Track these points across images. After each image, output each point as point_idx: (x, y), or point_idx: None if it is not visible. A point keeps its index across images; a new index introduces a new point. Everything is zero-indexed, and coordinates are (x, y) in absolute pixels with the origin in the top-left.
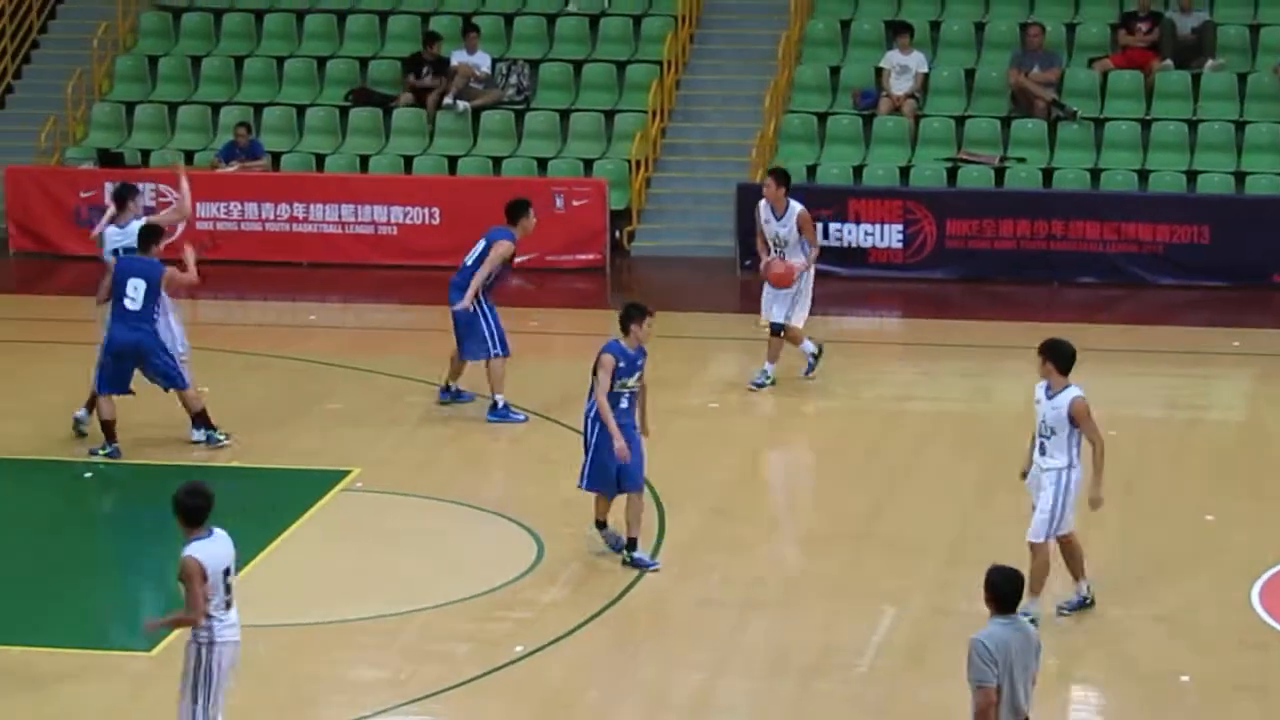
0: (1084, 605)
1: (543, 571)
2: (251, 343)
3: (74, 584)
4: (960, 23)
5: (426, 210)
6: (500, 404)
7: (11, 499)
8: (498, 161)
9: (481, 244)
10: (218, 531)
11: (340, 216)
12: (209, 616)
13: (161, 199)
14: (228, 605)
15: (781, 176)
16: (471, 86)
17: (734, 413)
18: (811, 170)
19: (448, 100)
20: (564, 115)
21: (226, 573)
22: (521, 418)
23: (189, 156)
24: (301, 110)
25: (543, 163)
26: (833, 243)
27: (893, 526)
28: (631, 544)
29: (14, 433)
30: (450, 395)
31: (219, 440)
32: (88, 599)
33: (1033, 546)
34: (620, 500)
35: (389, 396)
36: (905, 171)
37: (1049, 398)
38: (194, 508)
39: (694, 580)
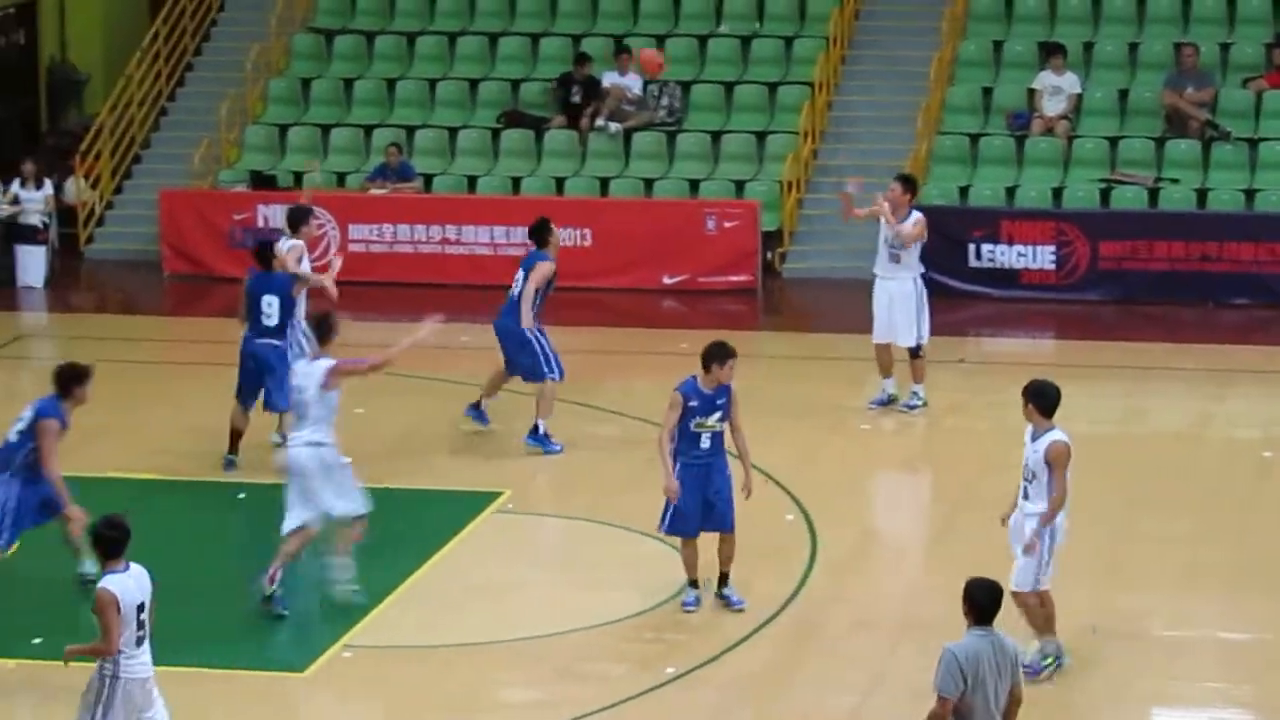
0: (1046, 668)
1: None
2: (404, 364)
3: (225, 604)
4: (1114, 43)
5: (578, 232)
6: (541, 430)
7: (170, 521)
8: (649, 183)
9: (520, 274)
10: (134, 567)
11: (492, 238)
12: (119, 651)
13: (315, 220)
14: (138, 641)
15: (908, 183)
16: (623, 108)
17: (886, 434)
18: (964, 191)
19: (599, 122)
20: (715, 136)
21: (140, 608)
22: (558, 448)
23: (340, 178)
24: (454, 132)
25: (694, 184)
26: (985, 264)
27: None
28: (723, 579)
29: (172, 450)
30: (475, 412)
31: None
32: (238, 619)
33: (1017, 597)
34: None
35: None
36: (1058, 193)
37: (1032, 440)
38: (110, 540)
39: (847, 601)
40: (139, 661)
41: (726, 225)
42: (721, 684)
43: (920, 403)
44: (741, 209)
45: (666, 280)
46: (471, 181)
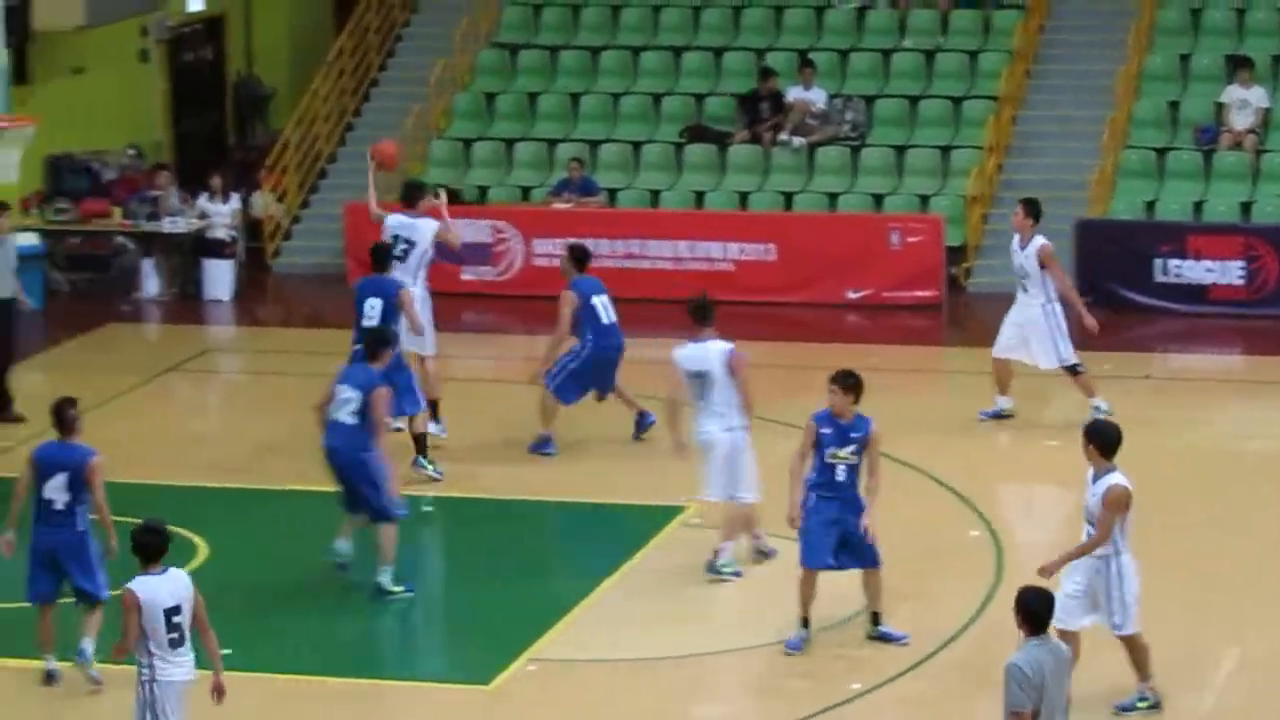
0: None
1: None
2: None
3: (409, 616)
4: None
5: (762, 246)
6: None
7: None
8: (833, 197)
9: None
10: (173, 571)
11: (675, 253)
12: (150, 654)
13: (498, 234)
14: (172, 644)
15: (1030, 206)
16: (807, 122)
17: (1075, 449)
18: (1150, 206)
19: (783, 136)
20: (900, 151)
21: (173, 612)
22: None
23: (524, 192)
24: (637, 146)
25: (878, 199)
26: (1171, 279)
27: (1234, 567)
28: (874, 618)
29: None
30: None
31: (426, 470)
32: (422, 631)
33: (1127, 640)
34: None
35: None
36: (1246, 207)
37: (1093, 482)
38: (145, 544)
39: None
40: (175, 664)
41: (910, 240)
42: (906, 701)
43: (1104, 413)
44: (926, 223)
45: (850, 295)
46: (655, 196)
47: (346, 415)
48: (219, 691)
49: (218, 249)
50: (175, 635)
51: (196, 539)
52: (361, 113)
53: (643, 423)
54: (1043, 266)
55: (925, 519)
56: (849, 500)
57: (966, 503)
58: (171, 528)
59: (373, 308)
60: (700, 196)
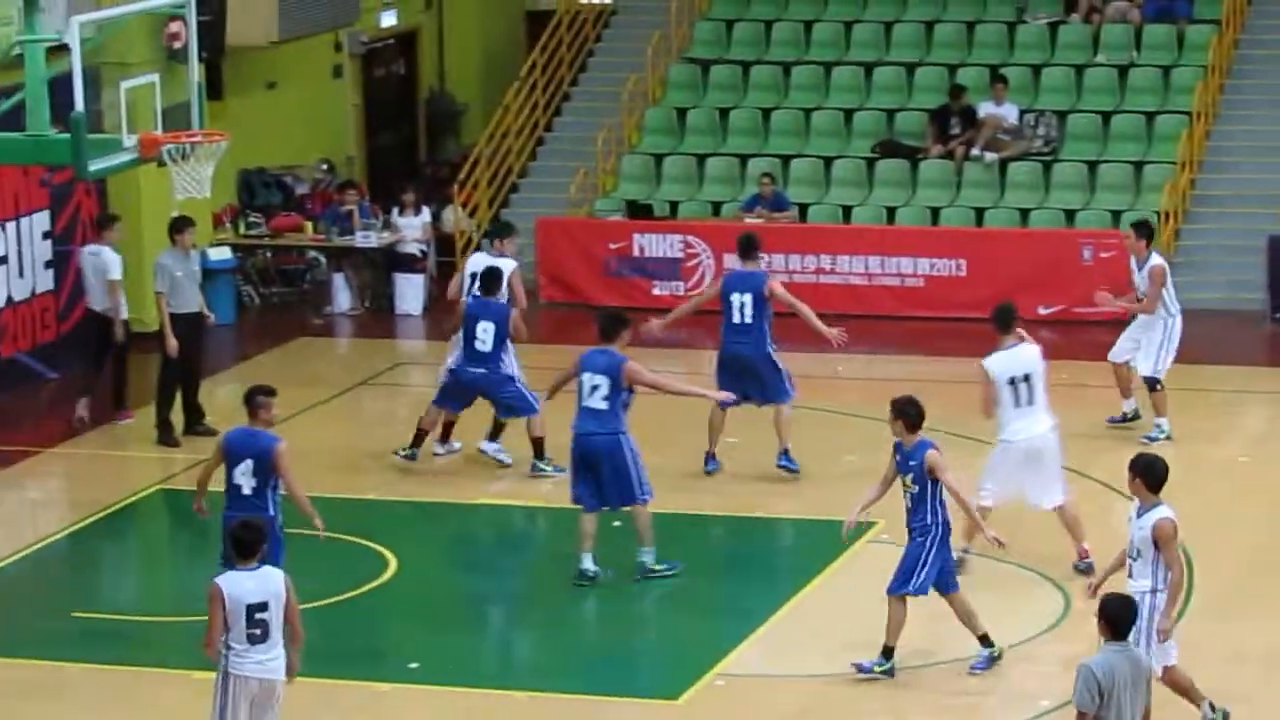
0: None
1: (1069, 626)
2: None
3: (598, 630)
4: None
5: (954, 262)
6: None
7: (547, 546)
8: (1025, 213)
9: (747, 296)
10: (266, 569)
11: (867, 268)
12: (228, 647)
13: (689, 250)
14: (250, 639)
15: (1142, 229)
16: (999, 138)
17: (1265, 466)
18: None
19: (975, 151)
20: (1092, 166)
21: (257, 608)
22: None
23: (715, 207)
24: (829, 162)
25: (1070, 214)
26: None
27: None
28: (984, 640)
29: (551, 477)
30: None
31: (544, 471)
32: (611, 646)
33: (1166, 672)
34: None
35: None
36: None
37: (1138, 516)
38: (239, 540)
39: (1223, 637)
40: (253, 660)
41: (1103, 255)
42: None
43: (1162, 435)
44: (1118, 239)
45: (1042, 311)
46: (846, 211)
47: (598, 400)
48: (289, 670)
49: (409, 263)
50: (257, 631)
51: (387, 553)
52: (553, 127)
53: (709, 461)
54: (1150, 281)
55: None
56: (909, 528)
57: None
58: (362, 541)
59: (485, 330)
60: (891, 212)
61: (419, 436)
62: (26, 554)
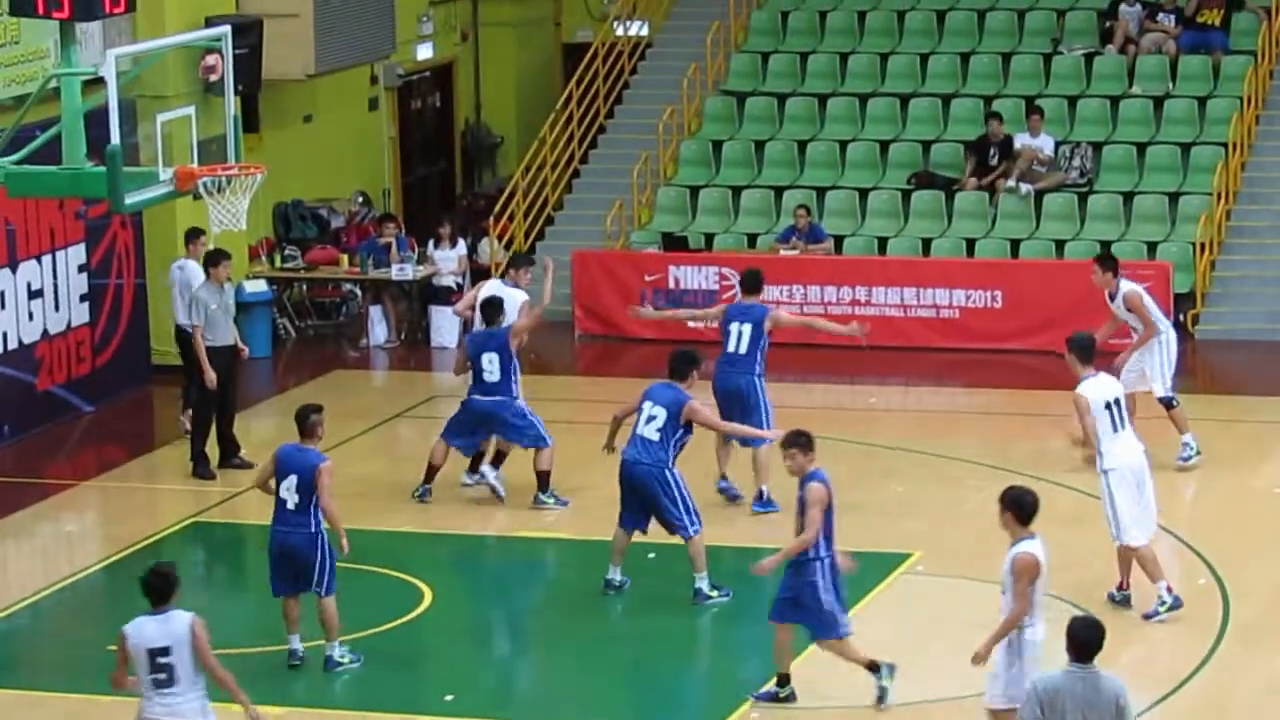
0: None
1: (1103, 656)
2: (814, 426)
3: (632, 661)
4: None
5: (989, 293)
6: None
7: (577, 579)
8: (1060, 244)
9: (745, 326)
10: (175, 614)
11: (902, 299)
12: (143, 694)
13: (724, 282)
14: (156, 684)
15: (1105, 262)
16: (1034, 169)
17: None
18: None
19: (1010, 183)
20: (1127, 198)
21: (158, 653)
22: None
23: (750, 240)
24: (864, 193)
25: (1106, 245)
26: None
27: None
28: (782, 680)
29: (587, 510)
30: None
31: (547, 504)
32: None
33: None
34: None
35: (951, 480)
36: None
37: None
38: (149, 586)
39: (1258, 668)
40: (159, 704)
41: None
42: None
43: (1193, 453)
44: (1154, 270)
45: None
46: (882, 243)
47: (652, 431)
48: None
49: (444, 297)
50: (161, 675)
51: (423, 585)
52: (589, 159)
53: (727, 491)
54: (1130, 309)
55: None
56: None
57: (1194, 551)
58: (398, 574)
59: (490, 361)
60: (927, 243)
61: (430, 473)
62: (62, 586)
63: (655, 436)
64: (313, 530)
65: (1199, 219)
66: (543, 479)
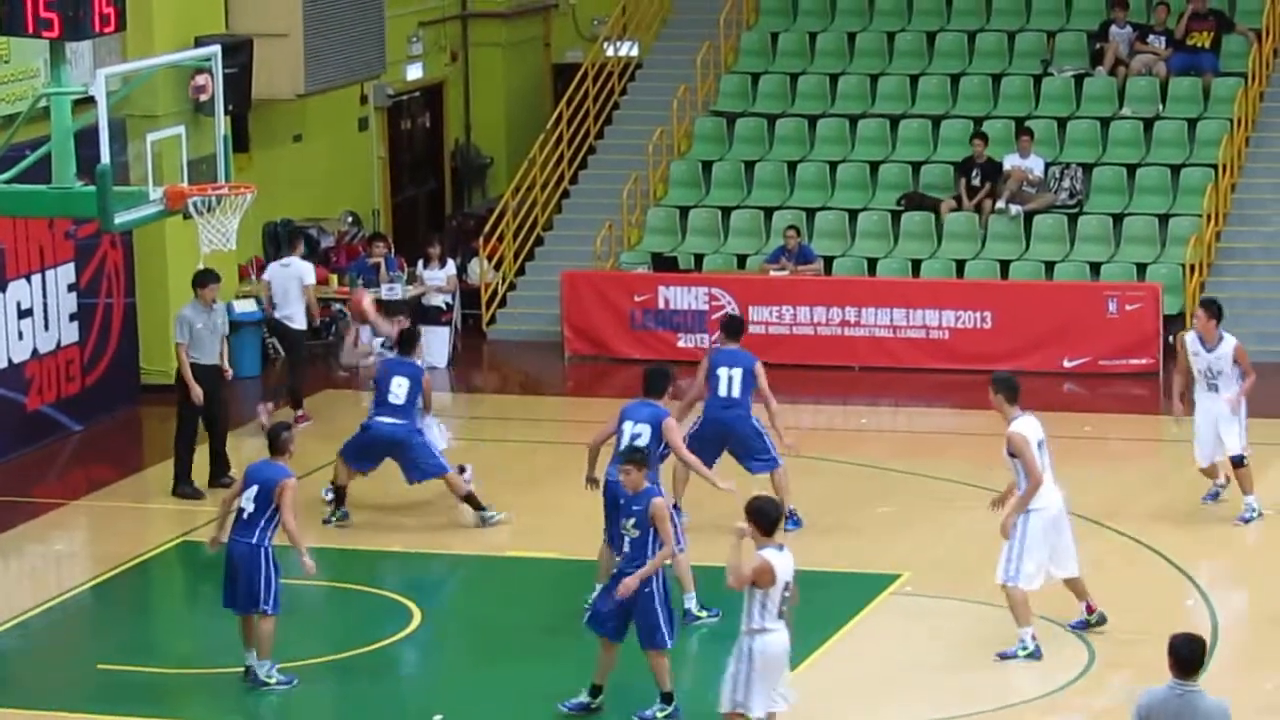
0: None
1: (1093, 678)
2: (806, 446)
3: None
4: None
5: (978, 315)
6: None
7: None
8: (1050, 265)
9: (736, 371)
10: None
11: (892, 320)
12: None
13: (714, 302)
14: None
15: (1212, 308)
16: (1024, 190)
17: None
18: None
19: (1000, 204)
20: (1117, 219)
21: None
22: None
23: (740, 260)
24: (853, 214)
25: (1095, 267)
26: None
27: None
28: (594, 690)
29: (575, 531)
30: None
31: (496, 518)
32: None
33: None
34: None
35: (940, 501)
36: None
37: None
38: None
39: (1247, 690)
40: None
41: (1128, 308)
42: None
43: (1254, 514)
44: (1143, 291)
45: (1067, 363)
46: (871, 264)
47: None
48: None
49: (434, 316)
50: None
51: (411, 605)
52: (579, 180)
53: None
54: (1236, 362)
55: (1140, 588)
56: (626, 576)
57: (1181, 572)
58: (387, 594)
59: (400, 385)
60: (916, 265)
61: (340, 494)
62: (51, 606)
63: None
64: (254, 543)
65: (1189, 240)
66: (472, 501)
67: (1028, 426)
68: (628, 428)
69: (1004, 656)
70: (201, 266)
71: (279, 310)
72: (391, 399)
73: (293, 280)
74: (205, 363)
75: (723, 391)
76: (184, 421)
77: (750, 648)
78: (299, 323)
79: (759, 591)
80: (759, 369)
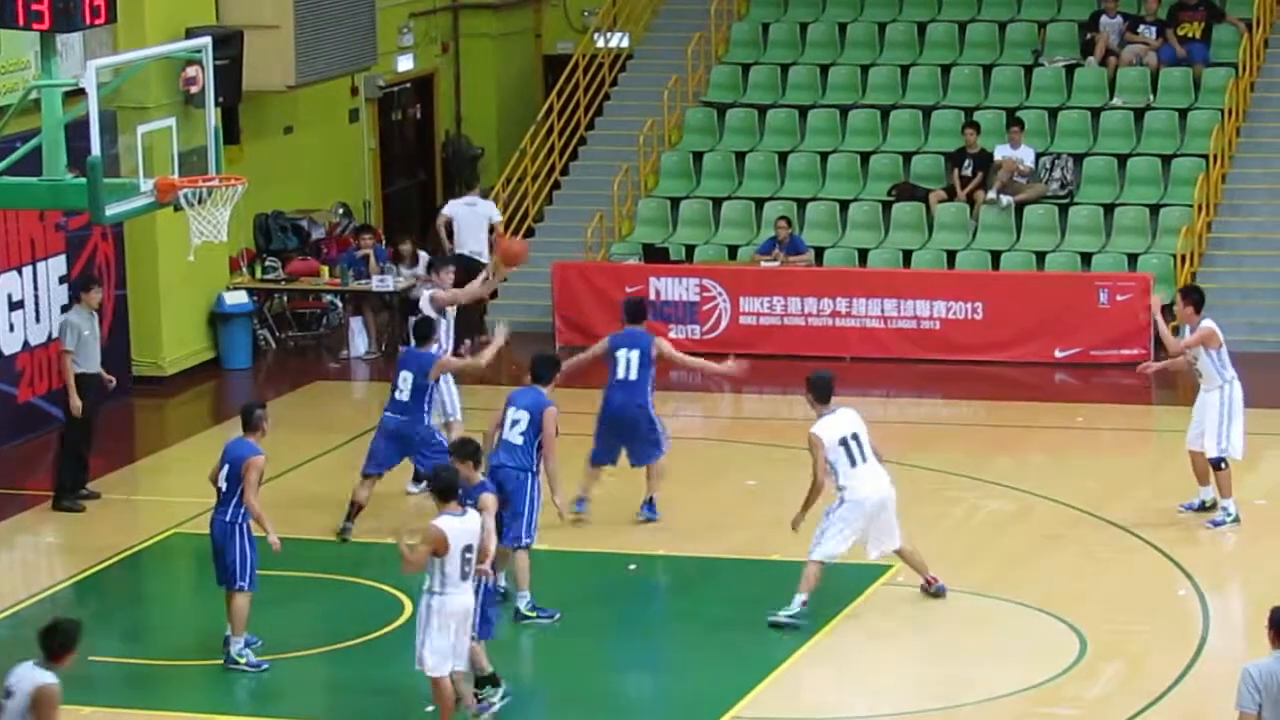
0: None
1: (1085, 668)
2: (796, 438)
3: (615, 671)
4: None
5: (969, 305)
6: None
7: (565, 591)
8: (1041, 256)
9: (634, 353)
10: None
11: (883, 311)
12: None
13: (705, 293)
14: None
15: (1191, 295)
16: (1015, 181)
17: None
18: None
19: (991, 195)
20: (1108, 209)
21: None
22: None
23: (731, 251)
24: (845, 205)
25: (1086, 257)
26: None
27: None
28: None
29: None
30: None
31: None
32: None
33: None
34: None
35: (930, 492)
36: None
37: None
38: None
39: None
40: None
41: (1119, 298)
42: None
43: (1229, 518)
44: (1134, 282)
45: (1058, 354)
46: (862, 255)
47: (515, 435)
48: None
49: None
50: None
51: (402, 596)
52: (569, 171)
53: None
54: (1201, 343)
55: (1132, 578)
56: None
57: (1174, 562)
58: (378, 585)
59: (405, 380)
60: (907, 255)
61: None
62: (42, 598)
63: (519, 441)
64: (227, 520)
65: (1180, 231)
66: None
67: (827, 426)
68: (510, 413)
69: (776, 622)
70: (192, 258)
71: (464, 246)
72: (398, 395)
73: (481, 219)
74: (89, 370)
75: (620, 374)
76: (69, 432)
77: (428, 605)
78: (486, 257)
79: (438, 559)
80: (657, 346)
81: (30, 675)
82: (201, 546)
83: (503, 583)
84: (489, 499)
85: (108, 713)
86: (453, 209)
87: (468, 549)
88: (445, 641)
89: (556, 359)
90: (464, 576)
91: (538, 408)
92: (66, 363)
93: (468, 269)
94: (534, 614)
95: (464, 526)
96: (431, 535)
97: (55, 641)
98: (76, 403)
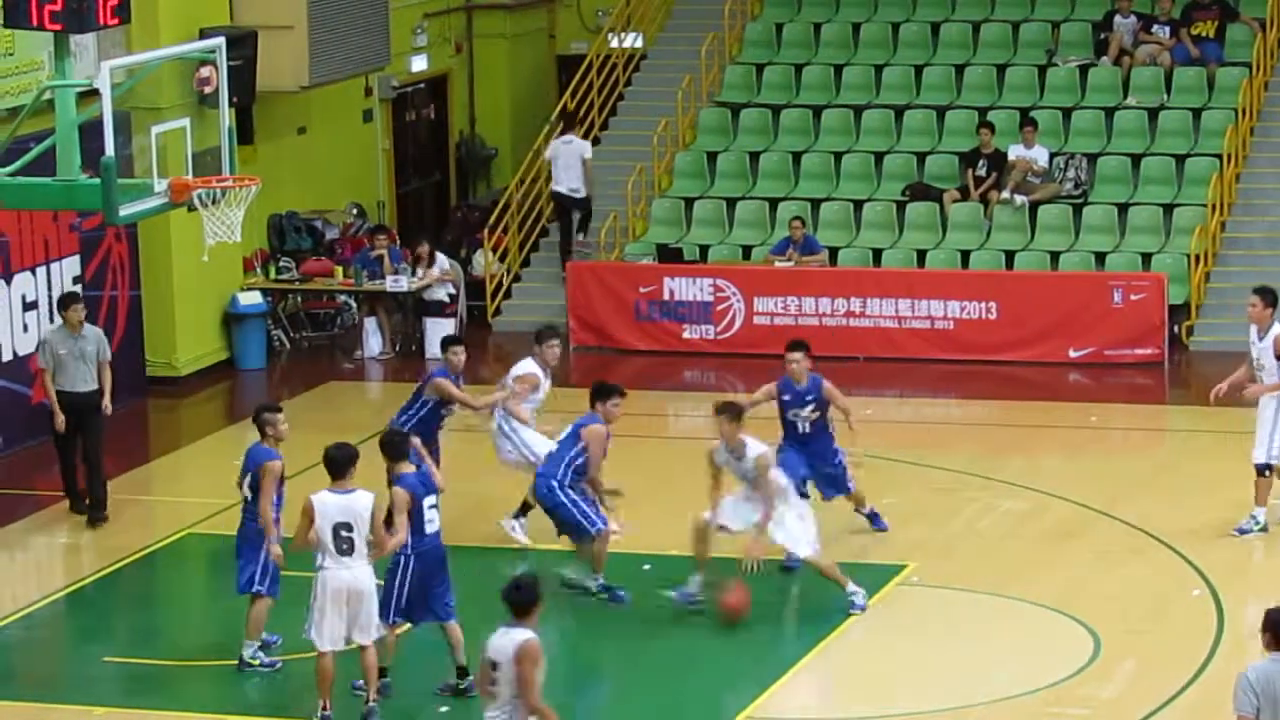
0: None
1: (1098, 669)
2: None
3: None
4: None
5: (983, 305)
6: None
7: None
8: (1055, 255)
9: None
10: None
11: (897, 311)
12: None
13: (719, 293)
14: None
15: (1268, 295)
16: (1029, 180)
17: None
18: None
19: (1005, 194)
20: (1122, 209)
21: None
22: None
23: (746, 251)
24: (859, 205)
25: (1100, 256)
26: None
27: None
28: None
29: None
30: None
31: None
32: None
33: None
34: None
35: (945, 492)
36: None
37: None
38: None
39: None
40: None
41: (1133, 298)
42: None
43: (1256, 527)
44: (1148, 281)
45: (1072, 353)
46: (876, 255)
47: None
48: None
49: (438, 309)
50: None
51: None
52: None
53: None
54: (1277, 356)
55: (1146, 578)
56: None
57: (1188, 562)
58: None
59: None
60: (921, 255)
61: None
62: (57, 598)
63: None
64: (252, 524)
65: (1194, 230)
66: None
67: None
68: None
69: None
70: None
71: (561, 184)
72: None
73: (575, 155)
74: (72, 389)
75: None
76: (57, 449)
77: (315, 583)
78: (583, 193)
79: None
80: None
81: (508, 638)
82: (215, 547)
83: (570, 573)
84: (400, 494)
85: (121, 713)
86: (553, 148)
87: (344, 527)
88: (334, 617)
89: (615, 388)
90: (344, 551)
91: (581, 424)
92: (45, 381)
93: (569, 204)
94: (604, 595)
95: (341, 503)
96: (303, 509)
97: (521, 596)
98: (60, 419)
